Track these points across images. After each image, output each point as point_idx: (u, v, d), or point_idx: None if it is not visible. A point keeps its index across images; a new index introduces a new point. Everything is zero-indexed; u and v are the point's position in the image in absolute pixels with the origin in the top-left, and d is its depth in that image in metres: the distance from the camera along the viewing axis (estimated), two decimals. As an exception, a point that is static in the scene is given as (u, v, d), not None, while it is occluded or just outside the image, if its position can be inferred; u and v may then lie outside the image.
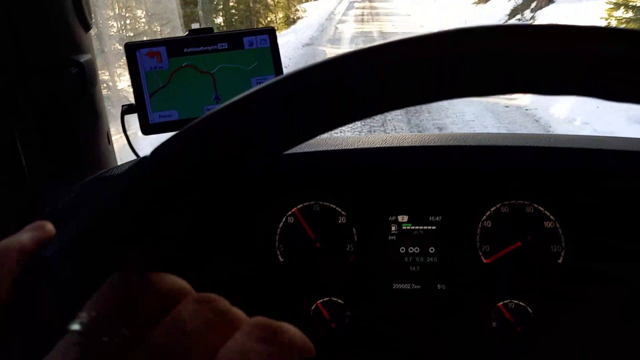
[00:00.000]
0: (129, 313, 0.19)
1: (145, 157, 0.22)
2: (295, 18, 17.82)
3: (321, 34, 12.25)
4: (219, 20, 13.96)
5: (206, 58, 0.82)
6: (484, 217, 0.68)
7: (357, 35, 11.63)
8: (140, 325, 0.18)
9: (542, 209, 0.67)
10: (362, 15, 16.82)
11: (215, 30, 0.84)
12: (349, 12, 18.44)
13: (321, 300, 0.70)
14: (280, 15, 17.41)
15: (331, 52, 8.64)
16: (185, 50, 0.82)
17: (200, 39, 0.81)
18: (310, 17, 16.63)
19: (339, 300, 0.70)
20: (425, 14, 15.35)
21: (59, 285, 0.20)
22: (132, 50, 0.81)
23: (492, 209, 0.68)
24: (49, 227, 0.23)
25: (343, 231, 0.71)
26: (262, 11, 15.63)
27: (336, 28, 13.17)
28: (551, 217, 0.66)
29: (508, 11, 12.38)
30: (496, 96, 0.22)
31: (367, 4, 23.45)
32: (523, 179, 0.67)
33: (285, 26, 15.87)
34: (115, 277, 0.20)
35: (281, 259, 0.72)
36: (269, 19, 15.97)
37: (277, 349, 0.18)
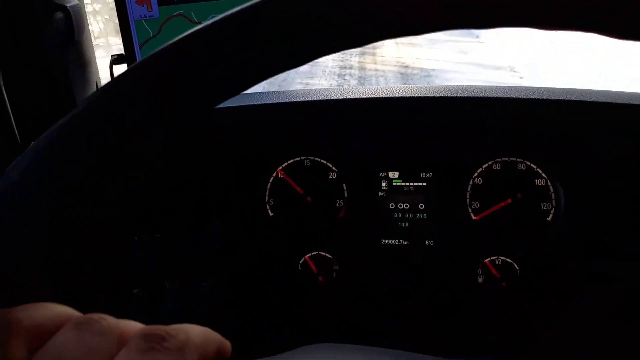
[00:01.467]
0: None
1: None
2: None
3: None
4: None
5: (198, 7, 0.79)
6: (475, 174, 0.68)
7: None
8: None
9: (535, 167, 0.66)
10: None
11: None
12: None
13: (309, 255, 0.71)
14: None
15: None
16: (176, -2, 0.79)
17: (191, -13, 0.79)
18: None
19: (327, 255, 0.70)
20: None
21: None
22: (121, -3, 0.78)
23: (483, 166, 0.67)
24: None
25: (333, 186, 0.71)
26: None
27: None
28: (543, 174, 0.66)
29: None
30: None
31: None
32: (516, 134, 0.66)
33: None
34: None
35: (271, 214, 0.72)
36: None
37: (165, 356, 0.18)
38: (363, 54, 6.01)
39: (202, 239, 0.72)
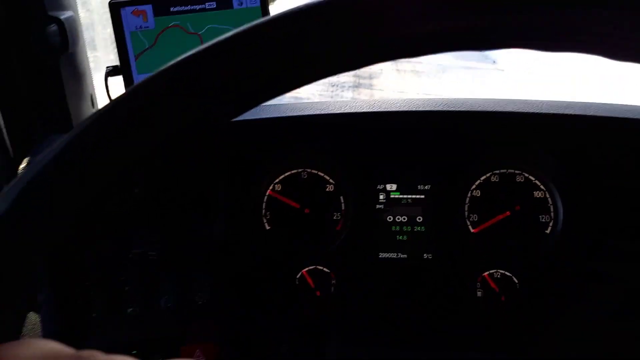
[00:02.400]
0: None
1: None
2: None
3: None
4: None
5: (194, 18, 0.79)
6: (474, 187, 0.67)
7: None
8: None
9: (533, 179, 0.66)
10: None
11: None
12: None
13: (307, 269, 0.70)
14: None
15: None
16: (172, 9, 0.79)
17: (187, -2, 0.78)
18: None
19: (324, 269, 0.70)
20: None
21: None
22: (117, 8, 0.78)
23: (482, 178, 0.67)
24: None
25: (331, 199, 0.70)
26: None
27: None
28: (541, 186, 0.65)
29: None
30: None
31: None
32: (515, 146, 0.66)
33: None
34: None
35: (267, 227, 0.71)
36: None
37: None
38: (358, 86, 5.16)
39: (198, 253, 0.71)
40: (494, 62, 6.02)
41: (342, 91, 4.86)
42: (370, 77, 5.26)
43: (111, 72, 0.80)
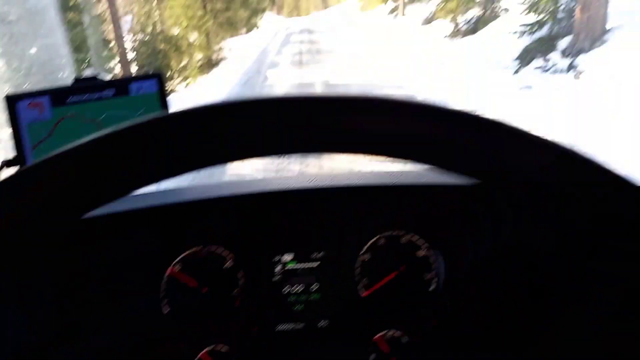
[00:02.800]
0: None
1: None
2: (219, 59, 15.07)
3: (243, 89, 8.98)
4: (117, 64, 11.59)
5: (92, 106, 0.81)
6: (362, 251, 0.71)
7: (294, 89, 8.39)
8: None
9: (416, 238, 0.70)
10: (301, 54, 13.76)
11: (113, 76, 0.83)
12: (284, 49, 15.39)
13: (206, 350, 0.69)
14: (200, 55, 14.68)
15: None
16: (69, 99, 0.81)
17: (85, 88, 0.78)
18: (231, 61, 13.70)
19: (223, 349, 0.69)
20: (374, 48, 12.37)
21: None
22: (13, 102, 0.79)
23: (369, 242, 0.71)
24: None
25: (229, 276, 0.71)
26: (172, 53, 13.07)
27: (266, 77, 10.19)
28: (424, 245, 0.70)
29: (449, 32, 11.60)
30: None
31: (307, 36, 20.07)
32: (396, 210, 0.70)
33: (201, 72, 12.82)
34: None
35: (165, 311, 0.71)
36: (183, 63, 13.31)
37: None
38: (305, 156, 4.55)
39: (97, 343, 0.69)
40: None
41: (289, 164, 4.76)
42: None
43: (7, 163, 0.80)
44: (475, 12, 11.52)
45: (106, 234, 0.66)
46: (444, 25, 12.70)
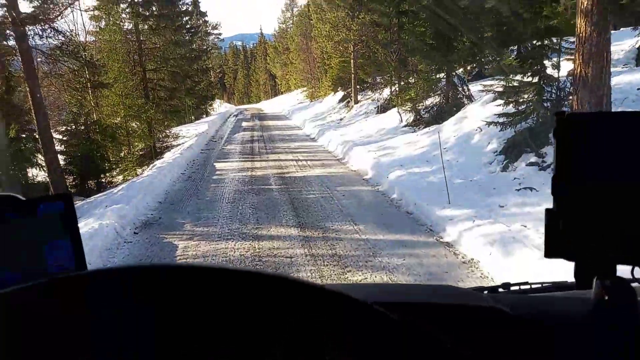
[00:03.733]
0: None
1: None
2: (163, 148, 14.12)
3: (185, 184, 8.22)
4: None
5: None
6: None
7: (245, 192, 7.18)
8: None
9: None
10: (252, 140, 14.10)
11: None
12: (235, 136, 15.34)
13: None
14: (141, 145, 13.97)
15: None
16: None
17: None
18: (177, 150, 12.57)
19: None
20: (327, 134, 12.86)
21: None
22: None
23: None
24: None
25: None
26: (108, 144, 12.62)
27: (214, 169, 9.70)
28: None
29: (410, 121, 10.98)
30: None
31: (257, 122, 20.63)
32: None
33: (141, 164, 12.31)
34: None
35: None
36: (122, 153, 12.76)
37: None
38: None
39: None
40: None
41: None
42: (276, 269, 4.06)
43: None
44: (435, 99, 10.97)
45: None
46: (396, 115, 12.13)
